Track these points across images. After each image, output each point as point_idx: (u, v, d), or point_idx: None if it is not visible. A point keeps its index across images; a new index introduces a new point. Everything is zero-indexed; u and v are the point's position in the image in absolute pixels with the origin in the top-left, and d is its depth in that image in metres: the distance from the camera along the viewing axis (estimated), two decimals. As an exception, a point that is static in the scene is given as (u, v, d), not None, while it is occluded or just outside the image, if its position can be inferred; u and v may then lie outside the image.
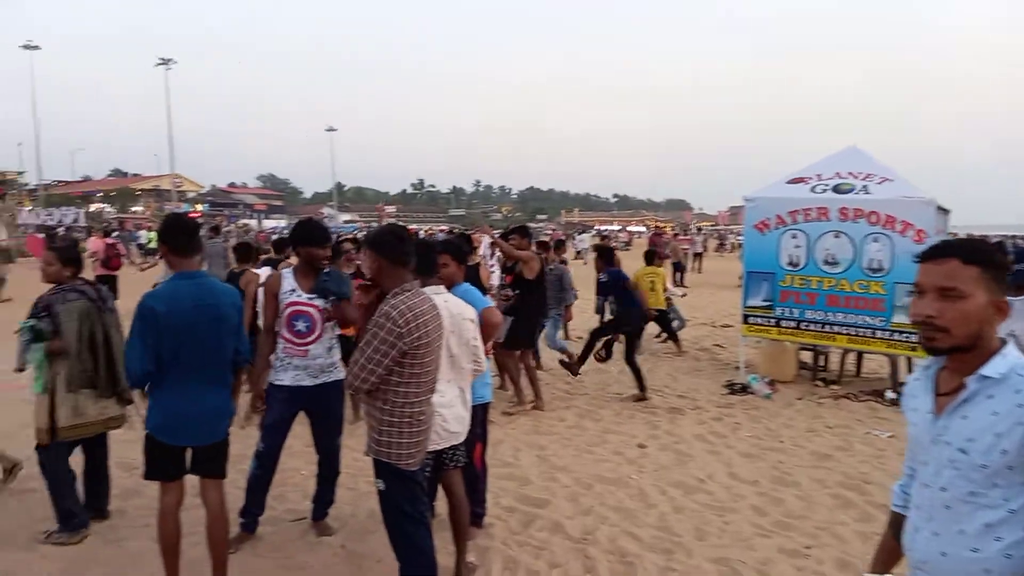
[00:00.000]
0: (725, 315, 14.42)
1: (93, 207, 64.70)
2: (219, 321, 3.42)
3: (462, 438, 3.73)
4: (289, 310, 4.08)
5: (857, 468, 5.66)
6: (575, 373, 8.18)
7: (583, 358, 8.16)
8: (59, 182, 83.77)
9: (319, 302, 4.11)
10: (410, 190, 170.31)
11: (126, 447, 5.83)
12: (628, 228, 76.01)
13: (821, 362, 8.79)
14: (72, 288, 4.33)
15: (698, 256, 27.75)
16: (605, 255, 8.36)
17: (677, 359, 10.07)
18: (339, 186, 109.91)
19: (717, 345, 11.13)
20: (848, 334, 7.93)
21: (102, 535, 4.33)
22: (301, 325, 4.07)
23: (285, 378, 4.08)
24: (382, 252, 3.10)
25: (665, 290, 10.33)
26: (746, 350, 8.96)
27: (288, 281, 4.13)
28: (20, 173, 50.97)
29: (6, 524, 4.46)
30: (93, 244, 17.30)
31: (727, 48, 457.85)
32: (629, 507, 4.82)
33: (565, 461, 5.73)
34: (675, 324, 10.81)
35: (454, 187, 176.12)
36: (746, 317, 8.59)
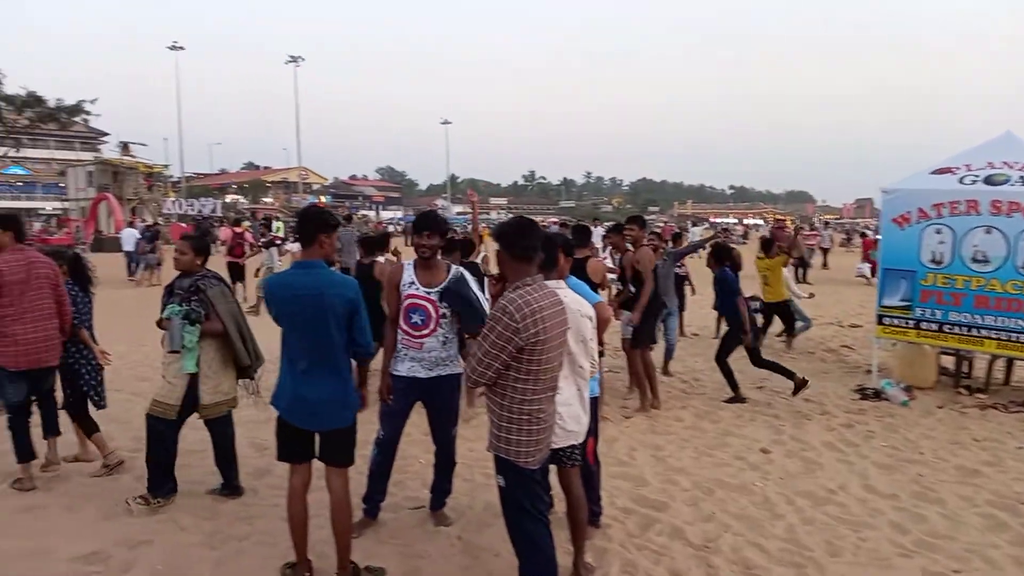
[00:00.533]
0: (853, 314, 13.61)
1: (228, 198, 69.15)
2: (322, 310, 3.45)
3: (580, 438, 3.65)
4: (407, 302, 4.11)
5: (1010, 487, 5.16)
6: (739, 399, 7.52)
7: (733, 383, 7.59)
8: (198, 174, 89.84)
9: (435, 296, 4.10)
10: (521, 181, 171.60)
11: (258, 427, 6.15)
12: (744, 221, 73.39)
13: (965, 368, 8.12)
14: (210, 275, 4.63)
15: (824, 252, 26.44)
16: (718, 254, 7.70)
17: (801, 360, 9.56)
18: (453, 178, 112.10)
19: (845, 346, 10.50)
20: (998, 338, 7.26)
21: (234, 512, 4.57)
22: (417, 318, 4.10)
23: (401, 368, 4.14)
24: (504, 245, 3.07)
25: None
26: (879, 353, 8.38)
27: (408, 273, 4.16)
28: (165, 166, 54.97)
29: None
30: (224, 233, 19.13)
31: (857, 33, 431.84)
32: (754, 516, 4.60)
33: (683, 463, 5.55)
34: (798, 325, 10.29)
35: (564, 178, 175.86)
36: (880, 318, 8.03)
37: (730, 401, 7.31)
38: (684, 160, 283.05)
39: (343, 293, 3.52)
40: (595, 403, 4.22)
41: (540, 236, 3.15)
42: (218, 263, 22.82)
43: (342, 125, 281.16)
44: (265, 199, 77.74)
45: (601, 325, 4.03)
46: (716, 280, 7.56)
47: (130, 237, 20.88)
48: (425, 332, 4.10)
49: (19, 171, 64.45)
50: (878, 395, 7.55)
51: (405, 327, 4.11)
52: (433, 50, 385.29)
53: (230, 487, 4.87)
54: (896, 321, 7.89)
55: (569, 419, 3.55)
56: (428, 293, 4.11)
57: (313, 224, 3.55)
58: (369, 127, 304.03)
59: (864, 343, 10.47)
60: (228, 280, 16.99)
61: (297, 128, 63.57)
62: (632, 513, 4.59)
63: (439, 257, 4.29)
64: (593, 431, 4.20)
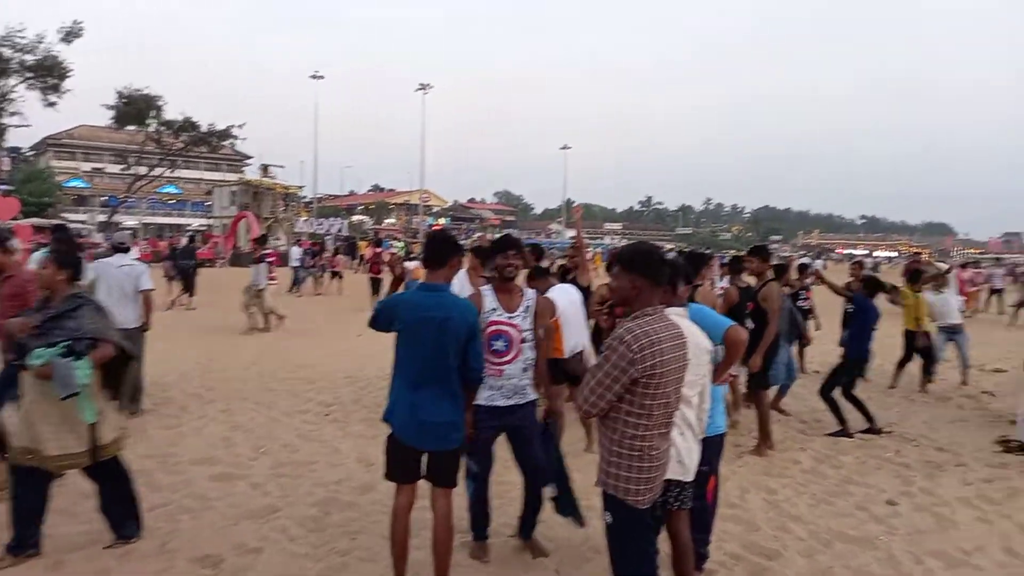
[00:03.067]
0: (998, 359, 12.45)
1: (355, 218, 72.51)
2: (442, 333, 3.55)
3: (691, 476, 3.49)
4: (490, 329, 4.00)
5: None
6: (875, 431, 7.27)
7: (866, 415, 7.33)
8: (329, 196, 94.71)
9: (518, 320, 4.05)
10: (637, 207, 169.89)
11: (367, 443, 6.34)
12: (875, 253, 69.20)
13: None
14: (74, 292, 4.12)
15: (996, 292, 21.68)
16: (872, 286, 7.68)
17: (938, 405, 8.82)
18: (568, 203, 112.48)
19: (986, 392, 9.59)
20: None
21: (340, 526, 4.69)
22: (499, 344, 4.02)
23: (480, 397, 3.98)
24: (640, 270, 2.94)
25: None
26: (1029, 403, 7.59)
27: (489, 299, 4.08)
28: (300, 187, 58.49)
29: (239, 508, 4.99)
30: (368, 251, 21.41)
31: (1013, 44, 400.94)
32: (876, 574, 4.24)
33: (799, 510, 5.21)
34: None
35: (682, 205, 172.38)
36: (1031, 364, 7.29)
37: (838, 435, 7.04)
38: (811, 187, 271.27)
39: (466, 318, 3.65)
40: (720, 440, 4.05)
41: (667, 262, 3.07)
42: (359, 279, 23.49)
43: (464, 148, 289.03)
44: (388, 220, 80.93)
45: (735, 349, 3.87)
46: (857, 310, 7.37)
47: (296, 254, 23.41)
48: (507, 359, 4.03)
49: (172, 190, 70.20)
50: (1025, 449, 6.84)
51: (486, 355, 3.94)
52: (552, 74, 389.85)
53: (128, 533, 4.26)
54: (1049, 368, 7.13)
55: (683, 450, 3.40)
56: (510, 318, 4.05)
57: (445, 247, 3.74)
58: (490, 149, 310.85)
59: (1009, 390, 9.55)
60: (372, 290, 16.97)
61: (422, 152, 65.53)
62: (741, 560, 4.34)
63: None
64: (715, 469, 4.04)
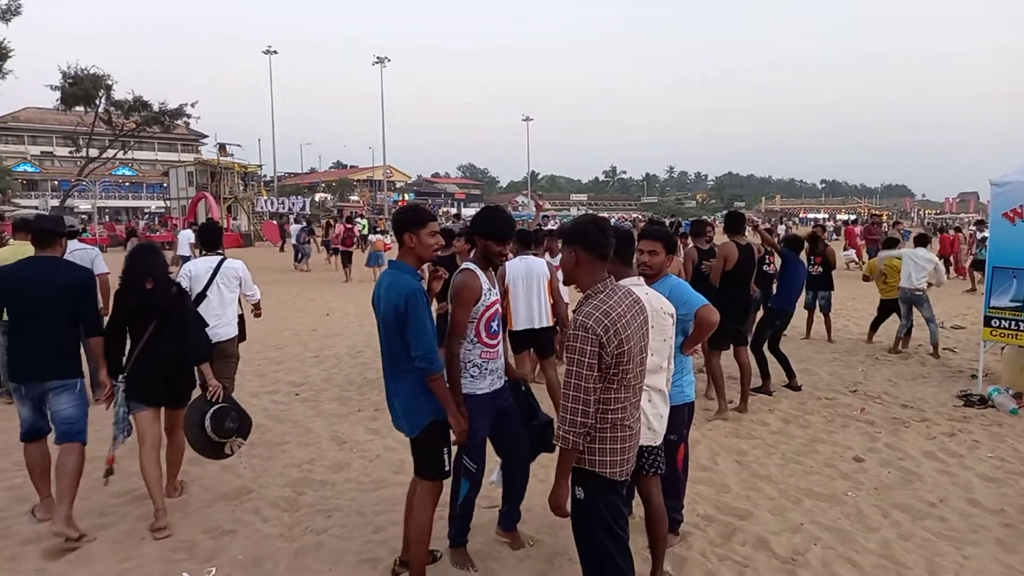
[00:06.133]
0: (956, 315, 12.79)
1: (318, 196, 71.47)
2: (384, 316, 3.38)
3: (660, 440, 3.51)
4: (491, 311, 3.68)
5: None
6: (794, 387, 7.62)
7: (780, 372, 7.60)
8: (290, 174, 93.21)
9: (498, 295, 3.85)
10: (602, 178, 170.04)
11: (339, 421, 6.25)
12: (837, 216, 70.21)
13: (1085, 375, 7.46)
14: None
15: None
16: (793, 244, 8.21)
17: (900, 363, 9.04)
18: (533, 175, 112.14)
19: (947, 349, 9.84)
20: (1125, 344, 6.63)
21: (314, 506, 4.64)
22: (496, 325, 3.75)
23: (483, 386, 3.67)
24: (582, 243, 2.86)
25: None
26: (987, 357, 7.82)
27: (483, 279, 3.67)
28: (259, 166, 57.30)
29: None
30: (338, 227, 23.58)
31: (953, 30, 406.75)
32: (845, 528, 4.34)
33: (769, 470, 5.30)
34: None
35: (647, 174, 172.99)
36: (988, 320, 7.48)
37: (757, 390, 7.31)
38: (773, 154, 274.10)
39: (390, 297, 3.34)
40: (690, 408, 4.05)
41: (609, 232, 2.93)
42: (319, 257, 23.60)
43: (426, 123, 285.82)
44: (352, 197, 79.92)
45: (704, 329, 3.86)
46: (785, 265, 7.82)
47: (294, 230, 26.07)
48: (500, 338, 3.83)
49: (127, 172, 68.39)
50: (984, 402, 7.03)
51: (484, 338, 3.65)
52: (512, 43, 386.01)
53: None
54: (1006, 324, 7.33)
55: (652, 417, 3.40)
56: (497, 296, 3.88)
57: (398, 224, 3.50)
58: (452, 125, 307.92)
59: (968, 346, 9.83)
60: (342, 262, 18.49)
61: (383, 128, 65.08)
62: (714, 521, 4.41)
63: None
64: (684, 438, 4.04)
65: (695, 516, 4.42)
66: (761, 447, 5.82)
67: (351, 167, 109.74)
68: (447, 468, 3.53)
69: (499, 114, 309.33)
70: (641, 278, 3.58)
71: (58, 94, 41.29)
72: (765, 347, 7.51)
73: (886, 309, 10.19)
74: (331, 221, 31.86)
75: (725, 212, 7.53)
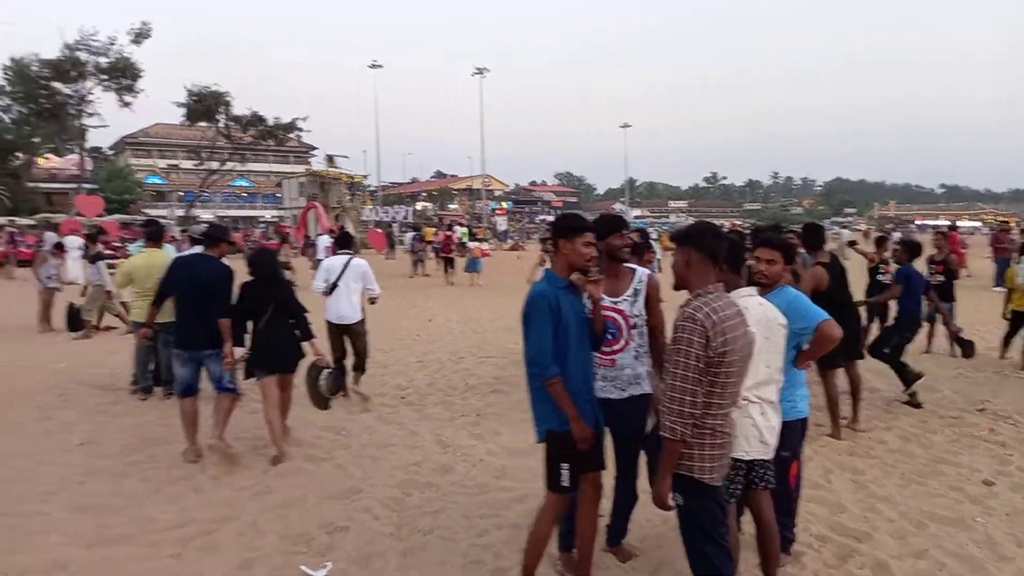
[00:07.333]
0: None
1: (419, 205, 73.41)
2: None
3: (772, 453, 3.41)
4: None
5: None
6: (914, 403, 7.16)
7: (906, 378, 7.17)
8: (392, 183, 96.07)
9: (624, 306, 3.77)
10: (702, 184, 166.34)
11: (442, 425, 6.39)
12: (957, 223, 65.86)
13: None
14: None
15: None
16: (911, 249, 7.69)
17: (1032, 380, 8.38)
18: (631, 182, 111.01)
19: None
20: None
21: (420, 507, 4.77)
22: (607, 332, 3.69)
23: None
24: (696, 245, 2.94)
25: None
26: None
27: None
28: (364, 176, 59.47)
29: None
30: (440, 235, 26.32)
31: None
32: (975, 556, 4.06)
33: (888, 491, 5.03)
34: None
35: (749, 180, 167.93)
36: None
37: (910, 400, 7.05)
38: (886, 157, 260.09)
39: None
40: (803, 424, 3.91)
41: (722, 238, 3.02)
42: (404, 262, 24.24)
43: (523, 131, 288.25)
44: (451, 205, 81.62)
45: (824, 344, 3.72)
46: (900, 275, 7.43)
47: (409, 237, 28.08)
48: (617, 347, 3.73)
49: (244, 183, 72.38)
50: None
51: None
52: (613, 50, 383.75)
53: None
54: None
55: (765, 430, 3.34)
56: (615, 303, 3.74)
57: (555, 230, 3.52)
58: (549, 132, 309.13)
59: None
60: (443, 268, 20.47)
61: (482, 137, 65.98)
62: (828, 541, 4.23)
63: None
64: (797, 454, 3.91)
65: (808, 536, 4.26)
66: (879, 466, 5.53)
67: (451, 176, 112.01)
68: (563, 483, 3.42)
69: (596, 121, 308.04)
70: (754, 288, 3.51)
71: (183, 110, 44.40)
72: (886, 354, 7.22)
73: (1020, 321, 9.45)
74: (435, 229, 33.10)
75: (803, 225, 7.00)
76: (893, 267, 10.18)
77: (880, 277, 9.41)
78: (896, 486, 5.13)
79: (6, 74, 41.23)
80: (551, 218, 51.87)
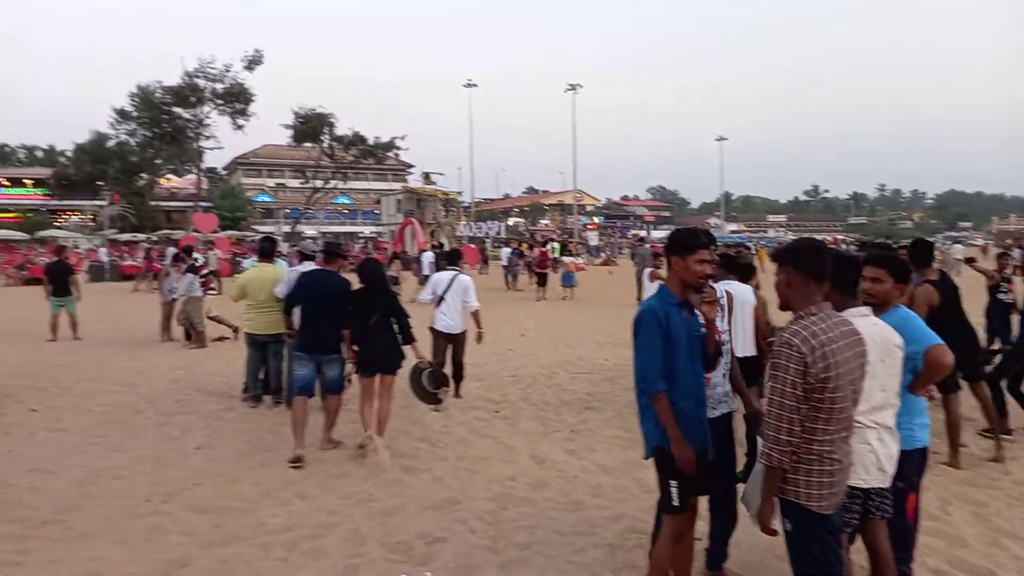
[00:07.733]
0: None
1: (511, 221, 74.24)
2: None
3: (890, 481, 3.25)
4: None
5: None
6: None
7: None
8: (486, 199, 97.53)
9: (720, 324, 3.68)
10: (803, 198, 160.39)
11: (536, 440, 6.43)
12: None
13: None
14: None
15: None
16: None
17: None
18: (726, 195, 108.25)
19: None
20: None
21: (515, 521, 4.80)
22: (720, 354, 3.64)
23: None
24: (794, 262, 2.84)
25: None
26: None
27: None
28: (459, 193, 60.77)
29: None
30: (535, 251, 26.54)
31: None
32: (1117, 602, 3.73)
33: (1015, 525, 4.68)
34: None
35: (854, 193, 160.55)
36: None
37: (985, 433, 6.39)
38: (1005, 167, 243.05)
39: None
40: (922, 454, 3.68)
41: (827, 255, 2.88)
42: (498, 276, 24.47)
43: (614, 146, 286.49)
44: (543, 221, 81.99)
45: (935, 371, 3.54)
46: None
47: (504, 253, 27.95)
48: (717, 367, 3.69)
49: (345, 201, 75.30)
50: None
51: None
52: (706, 61, 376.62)
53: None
54: None
55: (884, 457, 3.18)
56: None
57: (668, 246, 3.48)
58: (643, 146, 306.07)
59: None
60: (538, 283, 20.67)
61: (574, 152, 65.93)
62: (946, 577, 3.98)
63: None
64: (915, 485, 3.70)
65: (925, 570, 4.02)
66: (1003, 499, 5.16)
67: (543, 191, 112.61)
68: (674, 503, 3.37)
69: (690, 133, 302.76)
70: (868, 308, 3.36)
71: (290, 132, 46.71)
72: (1004, 386, 6.66)
73: None
74: (529, 245, 33.51)
75: (912, 241, 6.53)
76: (1018, 285, 9.55)
77: (1001, 295, 8.83)
78: (1023, 520, 4.77)
79: (133, 101, 44.63)
80: (642, 233, 51.30)
